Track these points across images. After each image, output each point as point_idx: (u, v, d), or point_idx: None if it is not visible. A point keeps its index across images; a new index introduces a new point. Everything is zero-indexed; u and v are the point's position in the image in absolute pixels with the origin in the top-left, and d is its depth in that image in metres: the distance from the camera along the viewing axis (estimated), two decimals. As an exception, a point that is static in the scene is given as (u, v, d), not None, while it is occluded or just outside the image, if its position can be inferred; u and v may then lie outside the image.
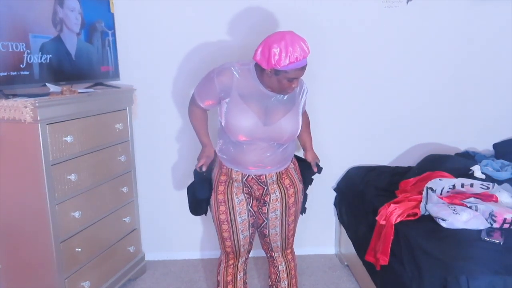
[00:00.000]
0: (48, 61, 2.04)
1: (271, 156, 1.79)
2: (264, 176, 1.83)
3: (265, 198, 1.88)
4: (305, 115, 2.01)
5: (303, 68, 1.62)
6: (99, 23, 2.38)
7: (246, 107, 1.70)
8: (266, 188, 1.85)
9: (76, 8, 2.21)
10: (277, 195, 1.87)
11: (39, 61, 1.99)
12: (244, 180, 1.84)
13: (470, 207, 1.94)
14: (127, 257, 2.57)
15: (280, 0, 2.59)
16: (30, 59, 1.91)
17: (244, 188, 1.86)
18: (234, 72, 1.70)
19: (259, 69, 1.68)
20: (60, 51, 2.12)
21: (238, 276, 2.01)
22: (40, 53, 1.98)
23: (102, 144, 2.27)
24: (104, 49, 2.44)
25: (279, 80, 1.63)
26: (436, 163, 2.50)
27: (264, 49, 1.59)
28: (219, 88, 1.71)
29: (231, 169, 1.84)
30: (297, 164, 1.97)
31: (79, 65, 2.25)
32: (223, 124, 1.77)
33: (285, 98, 1.75)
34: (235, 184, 1.85)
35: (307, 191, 2.02)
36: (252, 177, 1.83)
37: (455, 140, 2.90)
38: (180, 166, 2.84)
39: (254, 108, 1.70)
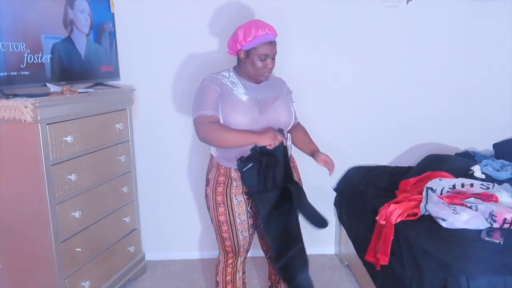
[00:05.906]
0: (58, 61, 2.06)
1: None
2: None
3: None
4: (300, 126, 2.04)
5: (271, 43, 1.73)
6: (107, 24, 2.40)
7: (239, 99, 1.78)
8: None
9: (86, 9, 2.24)
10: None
11: (50, 61, 2.02)
12: None
13: (470, 207, 1.93)
14: (127, 257, 2.57)
15: (280, 2, 2.60)
16: (30, 59, 1.91)
17: (243, 188, 1.86)
18: (219, 76, 1.83)
19: (238, 66, 1.82)
20: (70, 52, 2.15)
21: (237, 276, 2.00)
22: (50, 53, 2.01)
23: (102, 144, 2.27)
24: (112, 49, 2.46)
25: (252, 61, 1.73)
26: (436, 163, 2.49)
27: (231, 38, 1.78)
28: (220, 87, 1.79)
29: (230, 167, 1.84)
30: (296, 164, 1.97)
31: (88, 65, 2.28)
32: (222, 122, 1.78)
33: (271, 85, 1.86)
34: (234, 184, 1.84)
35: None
36: None
37: (455, 140, 2.89)
38: (180, 166, 2.83)
39: (247, 100, 1.78)
